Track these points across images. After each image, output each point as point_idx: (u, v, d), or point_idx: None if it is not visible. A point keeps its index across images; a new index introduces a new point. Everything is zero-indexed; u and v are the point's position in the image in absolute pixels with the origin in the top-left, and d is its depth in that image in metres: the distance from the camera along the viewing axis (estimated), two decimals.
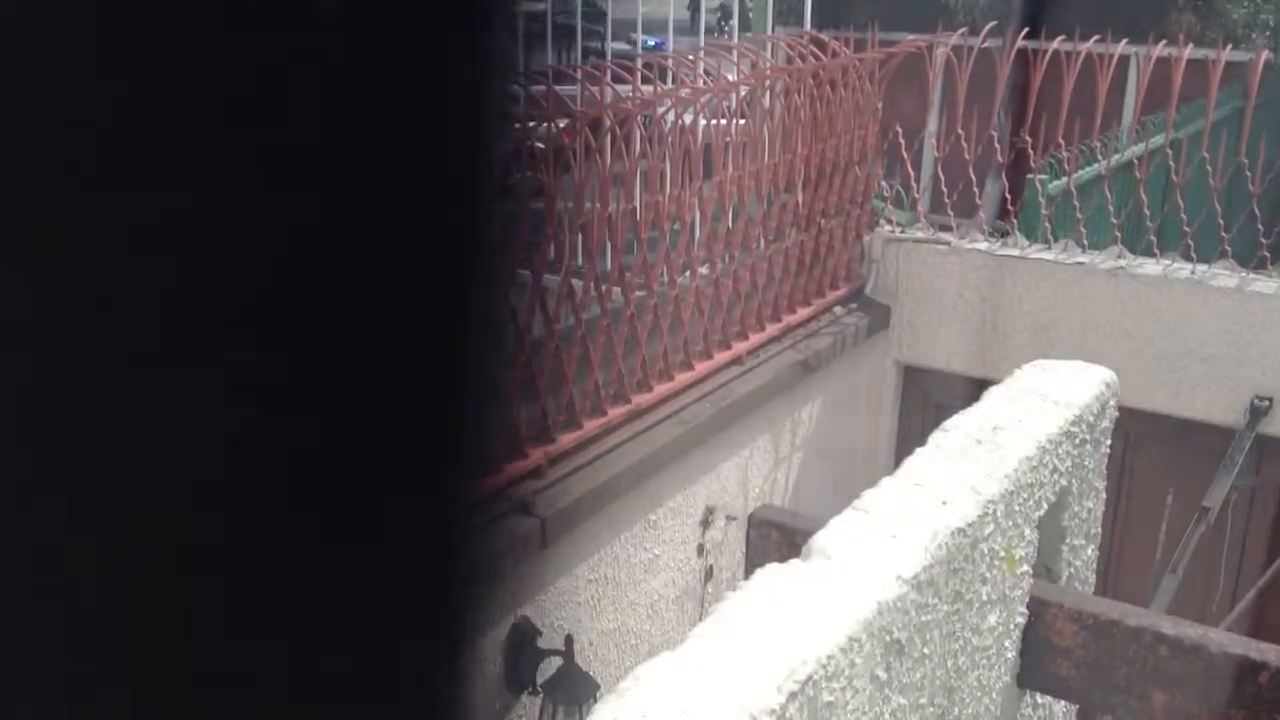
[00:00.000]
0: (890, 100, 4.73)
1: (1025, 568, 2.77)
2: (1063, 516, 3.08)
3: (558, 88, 3.47)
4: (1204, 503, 4.18)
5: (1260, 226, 4.40)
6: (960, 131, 4.67)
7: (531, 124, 3.10)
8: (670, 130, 3.59)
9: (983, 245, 4.76)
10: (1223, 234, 4.43)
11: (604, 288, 3.36)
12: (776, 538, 3.29)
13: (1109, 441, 3.29)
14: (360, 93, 0.31)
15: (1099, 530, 3.36)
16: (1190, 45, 4.55)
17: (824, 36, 4.52)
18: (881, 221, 4.88)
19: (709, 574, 3.85)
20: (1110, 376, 3.29)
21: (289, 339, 0.32)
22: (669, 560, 3.67)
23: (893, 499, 2.52)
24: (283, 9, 0.30)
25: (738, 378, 3.94)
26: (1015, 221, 4.85)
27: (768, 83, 4.16)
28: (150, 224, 0.31)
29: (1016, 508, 2.69)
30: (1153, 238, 4.55)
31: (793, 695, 1.92)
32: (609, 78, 3.53)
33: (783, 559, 2.34)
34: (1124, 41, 4.75)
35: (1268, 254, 4.37)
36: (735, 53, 4.22)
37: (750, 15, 6.25)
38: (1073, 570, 3.21)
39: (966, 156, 4.68)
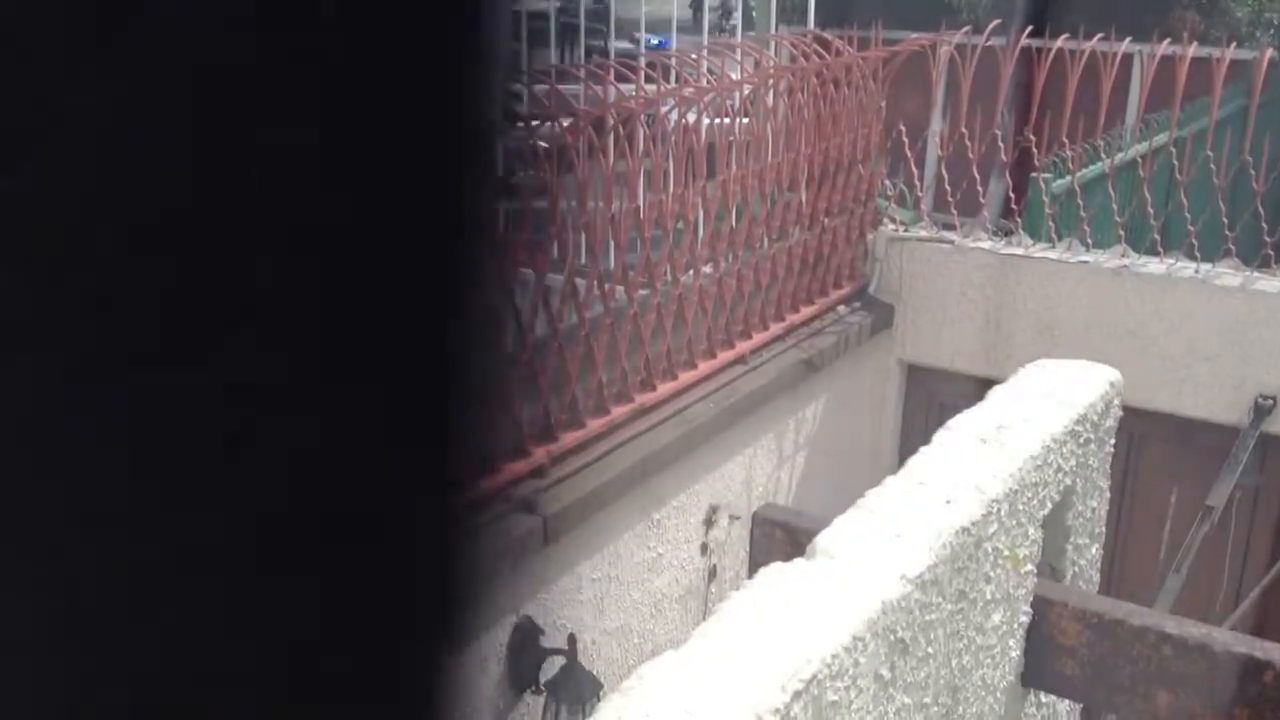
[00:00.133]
0: (894, 99, 4.73)
1: (1029, 566, 2.76)
2: (1067, 516, 3.07)
3: (561, 87, 3.47)
4: (1208, 502, 4.18)
5: (1264, 225, 4.40)
6: (964, 130, 4.66)
7: (534, 123, 3.10)
8: (674, 129, 3.58)
9: (986, 244, 4.76)
10: (1226, 233, 4.42)
11: (607, 286, 3.36)
12: (780, 537, 3.28)
13: (1113, 440, 3.29)
14: (359, 90, 0.31)
15: (1103, 529, 3.36)
16: (1194, 44, 4.54)
17: (827, 35, 4.51)
18: (885, 220, 4.87)
19: (712, 573, 3.85)
20: (1114, 376, 3.29)
21: (289, 337, 0.32)
22: (672, 559, 3.66)
23: (897, 498, 2.52)
24: (280, 6, 0.30)
25: (741, 376, 3.94)
26: (1019, 220, 4.84)
27: (771, 81, 4.16)
28: (146, 222, 0.30)
29: (1021, 507, 2.68)
30: (1156, 236, 4.54)
31: (797, 694, 1.92)
32: (612, 77, 3.53)
33: (787, 558, 2.34)
34: (1128, 40, 4.74)
35: (1272, 253, 4.37)
36: (739, 51, 4.22)
37: (754, 14, 6.25)
38: (1077, 569, 3.21)
39: (970, 155, 4.68)
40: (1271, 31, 9.45)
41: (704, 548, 3.80)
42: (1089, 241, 4.61)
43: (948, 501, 2.49)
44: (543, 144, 3.05)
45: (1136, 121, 5.08)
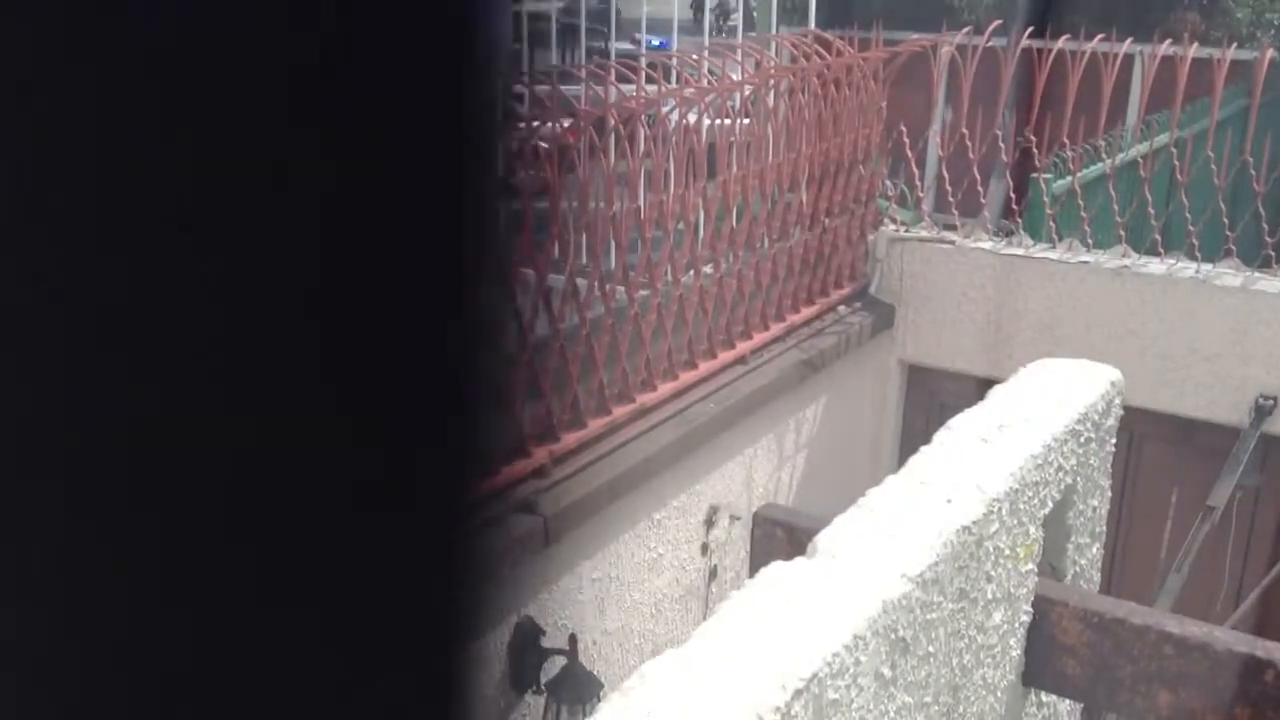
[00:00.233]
0: (894, 99, 4.73)
1: (1030, 565, 2.77)
2: (1068, 515, 3.08)
3: (562, 87, 3.47)
4: (1209, 502, 4.18)
5: (1265, 225, 4.40)
6: (965, 130, 4.67)
7: (535, 123, 3.10)
8: (674, 129, 3.58)
9: (987, 244, 4.76)
10: (1227, 233, 4.42)
11: (608, 287, 3.36)
12: (781, 536, 3.29)
13: (1114, 440, 3.29)
14: (361, 92, 0.31)
15: (1104, 529, 3.36)
16: (1195, 44, 4.54)
17: (828, 35, 4.52)
18: (886, 221, 4.87)
19: (713, 573, 3.85)
20: (1115, 375, 3.29)
21: (293, 340, 0.32)
22: (673, 559, 3.67)
23: (897, 497, 2.52)
24: (281, 7, 0.30)
25: (742, 377, 3.94)
26: (1020, 221, 4.84)
27: (772, 82, 4.16)
28: (149, 222, 0.31)
29: (1022, 506, 2.69)
30: (1157, 237, 4.54)
31: (798, 693, 1.92)
32: (613, 77, 3.53)
33: (787, 558, 2.34)
34: (1129, 40, 4.74)
35: (1272, 253, 4.37)
36: (740, 52, 4.22)
37: (755, 14, 6.25)
38: (1078, 569, 3.21)
39: (971, 155, 4.68)
40: (1272, 32, 9.45)
41: (704, 548, 3.80)
42: (1090, 242, 4.61)
43: (949, 501, 2.49)
44: (543, 144, 3.05)
45: (1137, 122, 5.08)
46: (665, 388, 3.61)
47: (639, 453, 3.41)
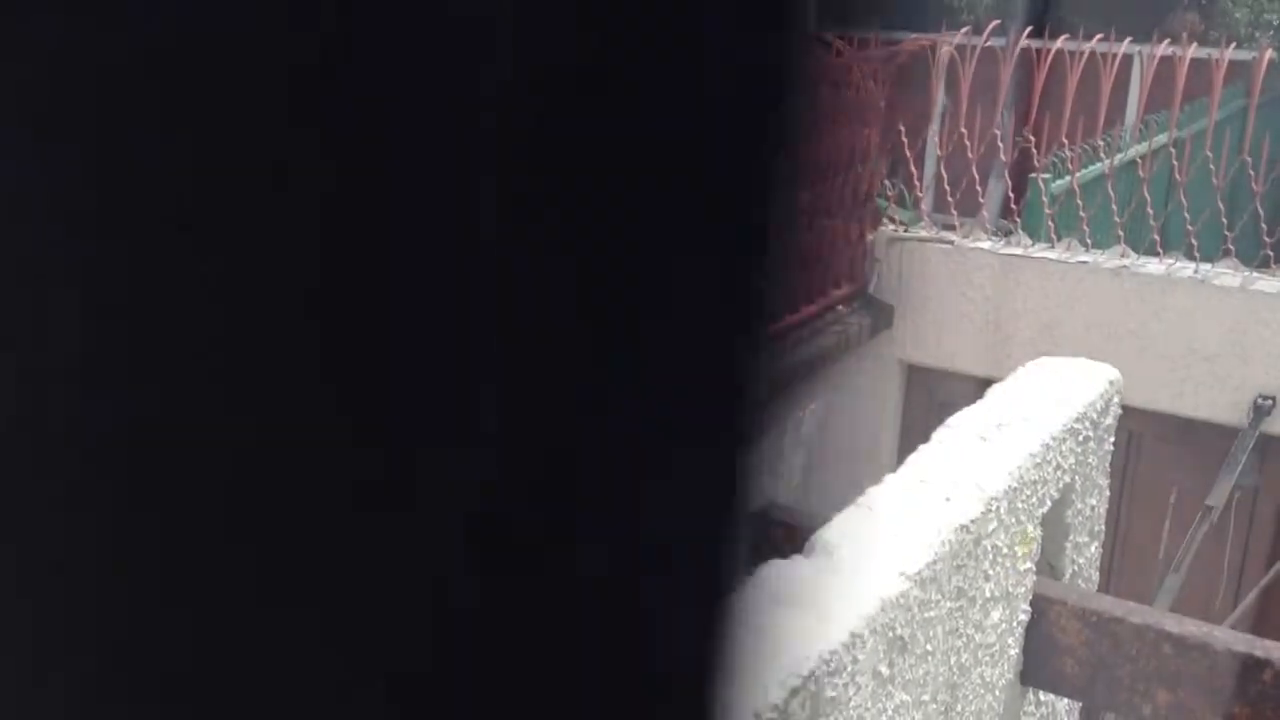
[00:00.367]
0: (893, 99, 4.73)
1: (1028, 564, 2.77)
2: (1066, 514, 3.08)
3: None
4: (1207, 501, 4.18)
5: (1263, 225, 4.40)
6: (963, 130, 4.67)
7: None
8: None
9: (986, 244, 4.76)
10: (1226, 233, 4.42)
11: None
12: (780, 535, 3.29)
13: (1112, 439, 3.29)
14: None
15: (1102, 528, 3.36)
16: (1194, 44, 4.55)
17: (827, 35, 4.51)
18: (885, 220, 4.88)
19: None
20: (1114, 375, 3.29)
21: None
22: None
23: (896, 496, 2.52)
24: None
25: None
26: (1019, 220, 4.85)
27: None
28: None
29: (1020, 504, 2.69)
30: (1156, 237, 4.54)
31: (795, 691, 1.92)
32: None
33: (785, 556, 2.34)
34: (1127, 40, 4.75)
35: (1271, 253, 4.37)
36: None
37: None
38: (1076, 568, 3.21)
39: (970, 155, 4.68)
40: (1271, 32, 9.46)
41: None
42: (1088, 242, 4.61)
43: (947, 499, 2.49)
44: None
45: (1136, 122, 5.09)
46: None
47: None
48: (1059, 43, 4.61)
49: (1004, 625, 2.68)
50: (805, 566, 2.26)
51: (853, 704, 2.08)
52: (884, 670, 2.18)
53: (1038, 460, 2.76)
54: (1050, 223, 4.71)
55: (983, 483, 2.57)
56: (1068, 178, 4.75)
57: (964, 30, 4.89)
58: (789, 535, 3.32)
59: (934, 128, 5.01)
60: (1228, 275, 4.39)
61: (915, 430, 4.60)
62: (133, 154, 0.30)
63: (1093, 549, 3.33)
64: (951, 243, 4.78)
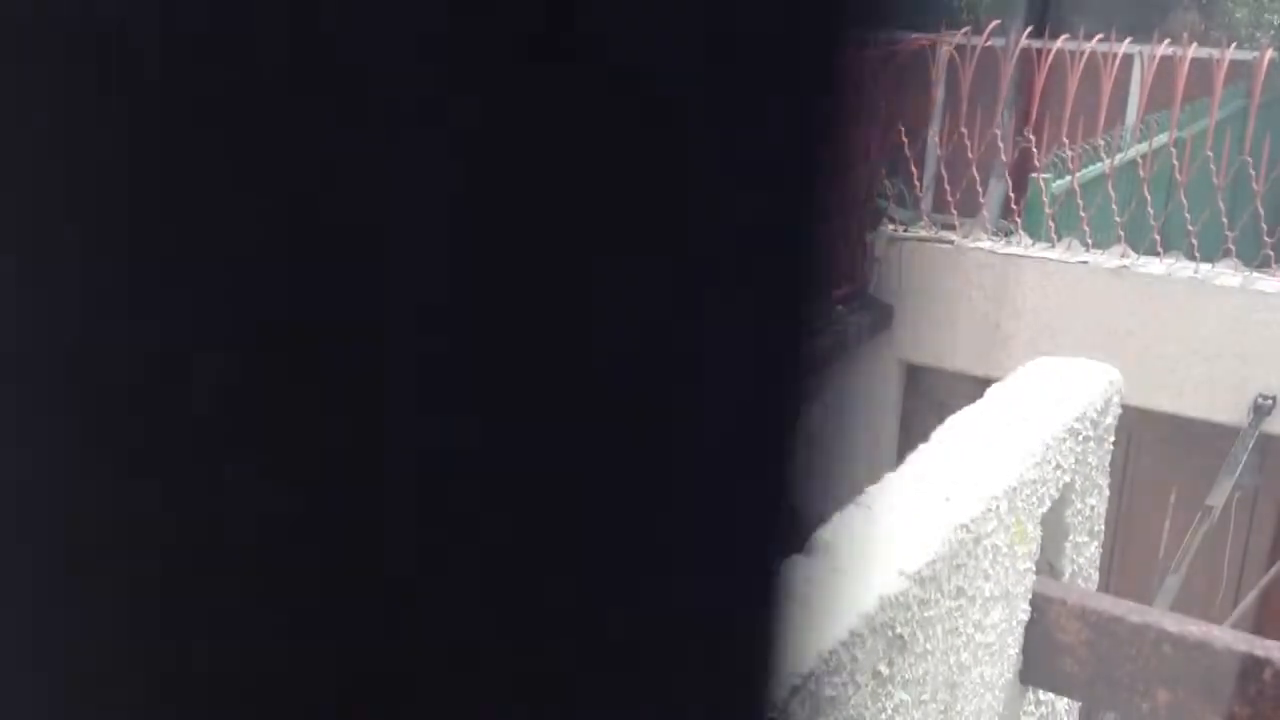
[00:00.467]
0: (893, 99, 4.73)
1: (1028, 564, 2.77)
2: (1066, 513, 3.08)
3: None
4: (1207, 501, 4.18)
5: (1264, 225, 4.40)
6: (963, 130, 4.67)
7: None
8: None
9: (986, 244, 4.76)
10: (1226, 233, 4.42)
11: None
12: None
13: (1112, 439, 3.29)
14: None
15: (1102, 528, 3.36)
16: (1194, 44, 4.54)
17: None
18: (885, 220, 4.87)
19: None
20: (1114, 374, 3.29)
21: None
22: None
23: (896, 495, 2.52)
24: None
25: None
26: (1019, 220, 4.85)
27: None
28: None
29: (1019, 504, 2.69)
30: (1156, 236, 4.54)
31: (794, 690, 1.92)
32: None
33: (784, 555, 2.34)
34: (1128, 40, 4.75)
35: (1271, 253, 4.37)
36: None
37: None
38: (1076, 567, 3.21)
39: (970, 155, 4.68)
40: (1272, 32, 9.46)
41: None
42: (1089, 241, 4.61)
43: (947, 499, 2.49)
44: None
45: (1136, 122, 5.09)
46: None
47: None
48: (1059, 42, 4.61)
49: (1004, 624, 2.67)
50: (803, 565, 2.26)
51: (852, 703, 2.08)
52: (883, 669, 2.18)
53: (1037, 460, 2.76)
54: (1051, 222, 4.71)
55: (982, 482, 2.56)
56: (1068, 177, 4.74)
57: (964, 30, 4.88)
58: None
59: (934, 127, 5.01)
60: (1228, 275, 4.39)
61: (914, 429, 4.60)
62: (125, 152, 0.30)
63: (1092, 549, 3.32)
64: (951, 242, 4.78)
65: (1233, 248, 4.44)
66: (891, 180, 4.92)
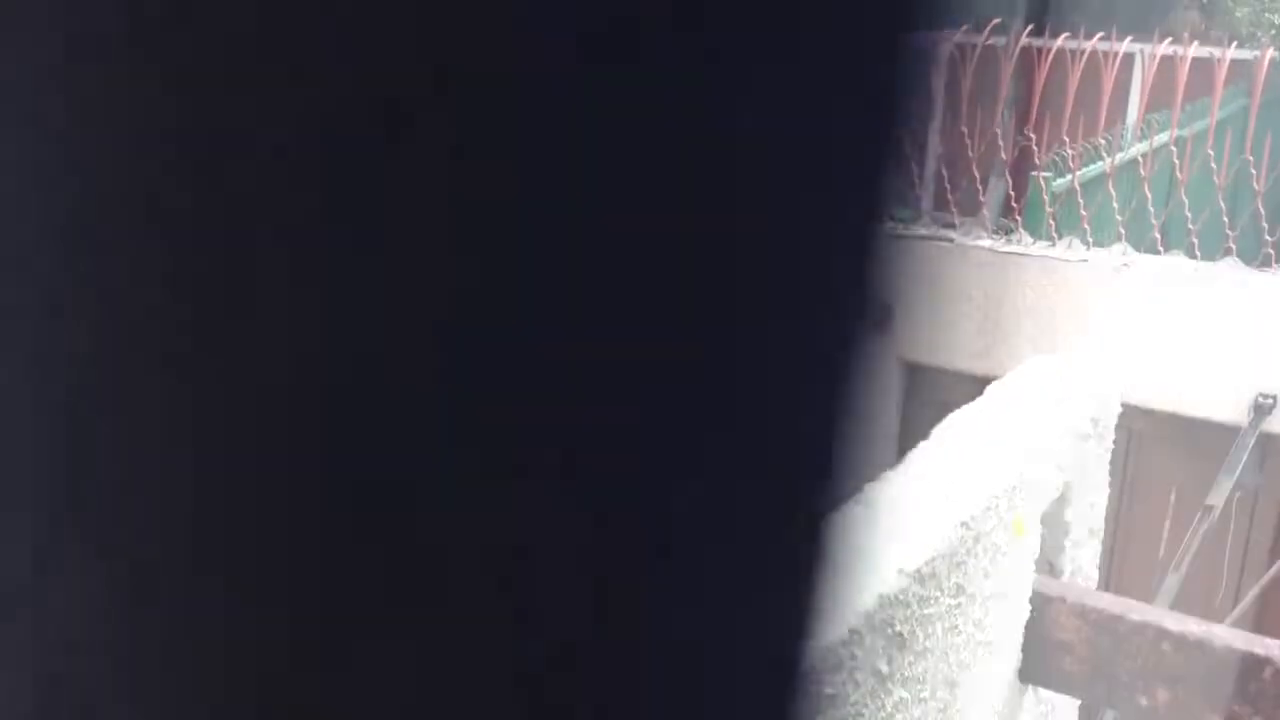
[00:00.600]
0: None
1: (1028, 562, 2.76)
2: (1065, 512, 3.07)
3: None
4: (1207, 500, 4.17)
5: (1264, 225, 4.40)
6: (964, 129, 4.67)
7: None
8: None
9: (986, 243, 4.76)
10: (1227, 232, 4.42)
11: None
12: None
13: (1112, 438, 3.29)
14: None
15: (1102, 526, 3.36)
16: (1195, 43, 4.54)
17: None
18: (885, 218, 4.87)
19: None
20: (1114, 373, 3.29)
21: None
22: None
23: (896, 493, 2.52)
24: None
25: None
26: (1019, 219, 4.85)
27: None
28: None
29: (1019, 502, 2.68)
30: (1157, 236, 4.54)
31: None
32: None
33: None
34: (1129, 39, 4.74)
35: (1272, 252, 4.37)
36: None
37: None
38: (1075, 566, 3.21)
39: (970, 154, 4.68)
40: (1272, 32, 9.46)
41: None
42: (1089, 240, 4.61)
43: (946, 497, 2.49)
44: None
45: (1137, 121, 5.08)
46: None
47: None
48: (1060, 41, 4.61)
49: (1003, 622, 2.67)
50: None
51: (851, 700, 2.08)
52: (883, 667, 2.18)
53: (1038, 459, 2.76)
54: (1051, 221, 4.71)
55: (982, 481, 2.56)
56: (1069, 176, 4.74)
57: (964, 28, 4.88)
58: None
59: (934, 126, 5.01)
60: (1228, 274, 4.38)
61: (914, 428, 4.60)
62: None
63: (1092, 547, 3.32)
64: (952, 241, 4.77)
65: (1233, 247, 4.44)
66: (898, 180, 4.92)
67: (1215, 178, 4.45)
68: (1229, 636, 2.76)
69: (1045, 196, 4.76)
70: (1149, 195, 4.57)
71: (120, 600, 0.33)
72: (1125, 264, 4.51)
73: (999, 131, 4.70)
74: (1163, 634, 2.70)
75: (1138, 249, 4.57)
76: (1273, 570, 4.27)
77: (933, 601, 2.32)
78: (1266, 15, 9.72)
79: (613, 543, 0.33)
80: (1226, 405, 4.34)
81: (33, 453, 0.32)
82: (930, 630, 2.33)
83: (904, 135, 0.35)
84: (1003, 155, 4.81)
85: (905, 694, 2.27)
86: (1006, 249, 4.71)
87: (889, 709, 2.22)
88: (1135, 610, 2.81)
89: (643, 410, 0.33)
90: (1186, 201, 4.47)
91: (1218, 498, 4.17)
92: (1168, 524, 4.47)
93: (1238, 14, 9.59)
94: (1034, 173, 4.83)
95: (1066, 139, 4.64)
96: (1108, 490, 3.37)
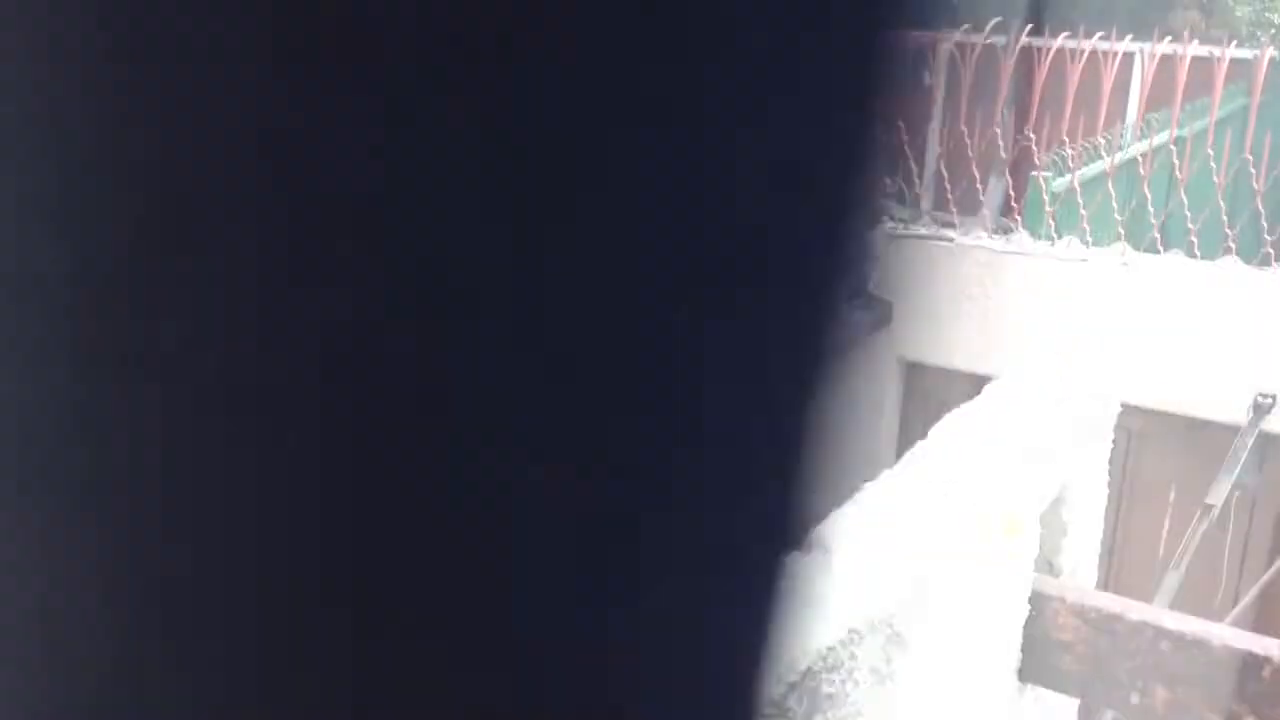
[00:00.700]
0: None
1: (1027, 561, 2.77)
2: (1064, 511, 3.07)
3: None
4: (1207, 500, 4.17)
5: (1264, 224, 4.40)
6: (963, 128, 4.67)
7: None
8: None
9: (986, 242, 4.76)
10: (1226, 231, 4.42)
11: None
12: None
13: (1111, 437, 3.29)
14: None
15: (1101, 526, 3.36)
16: (1195, 42, 4.54)
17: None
18: (884, 218, 4.87)
19: None
20: (1113, 373, 3.29)
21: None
22: None
23: (894, 492, 2.52)
24: None
25: None
26: (1019, 218, 4.85)
27: None
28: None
29: (1018, 501, 2.69)
30: (1156, 235, 4.54)
31: (792, 686, 1.92)
32: None
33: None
34: (1128, 38, 4.74)
35: (1271, 251, 4.37)
36: None
37: None
38: (1074, 565, 3.21)
39: (970, 153, 4.68)
40: (1272, 31, 9.46)
41: None
42: (1089, 240, 4.61)
43: (945, 496, 2.49)
44: None
45: (1137, 120, 5.08)
46: None
47: None
48: (1060, 40, 4.61)
49: (1002, 622, 2.67)
50: (801, 562, 2.26)
51: (850, 699, 2.08)
52: (882, 667, 2.18)
53: (1036, 457, 2.76)
54: (1050, 221, 4.71)
55: (981, 480, 2.56)
56: (1068, 176, 4.74)
57: (964, 27, 4.88)
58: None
59: (934, 125, 5.01)
60: (1228, 274, 4.38)
61: (913, 427, 4.60)
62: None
63: (1091, 547, 3.32)
64: (951, 240, 4.77)
65: (1233, 246, 4.44)
66: (891, 178, 4.92)
67: (1215, 177, 4.45)
68: (1228, 635, 2.76)
69: (1045, 196, 4.76)
70: (1148, 195, 4.57)
71: (119, 600, 0.33)
72: (1125, 263, 4.51)
73: (999, 131, 4.70)
74: (1162, 633, 2.70)
75: (1137, 248, 4.57)
76: (1272, 570, 4.27)
77: (931, 601, 2.33)
78: (1266, 14, 9.72)
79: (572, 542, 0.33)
80: (1226, 405, 4.34)
81: (30, 452, 0.32)
82: (929, 630, 2.33)
83: (887, 132, 0.35)
84: (1002, 155, 4.81)
85: (904, 693, 2.27)
86: (1006, 249, 4.71)
87: (888, 708, 2.22)
88: (1134, 610, 2.81)
89: (607, 417, 0.33)
90: (1186, 201, 4.47)
91: (1217, 497, 4.17)
92: (1167, 523, 4.47)
93: (1237, 13, 9.59)
94: (1034, 172, 4.83)
95: (1066, 138, 4.64)
96: (1107, 490, 3.37)
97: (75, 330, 0.31)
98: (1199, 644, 2.66)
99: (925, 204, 4.93)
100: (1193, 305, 4.37)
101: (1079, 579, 3.25)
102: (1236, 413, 4.33)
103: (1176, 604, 3.84)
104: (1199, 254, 4.49)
